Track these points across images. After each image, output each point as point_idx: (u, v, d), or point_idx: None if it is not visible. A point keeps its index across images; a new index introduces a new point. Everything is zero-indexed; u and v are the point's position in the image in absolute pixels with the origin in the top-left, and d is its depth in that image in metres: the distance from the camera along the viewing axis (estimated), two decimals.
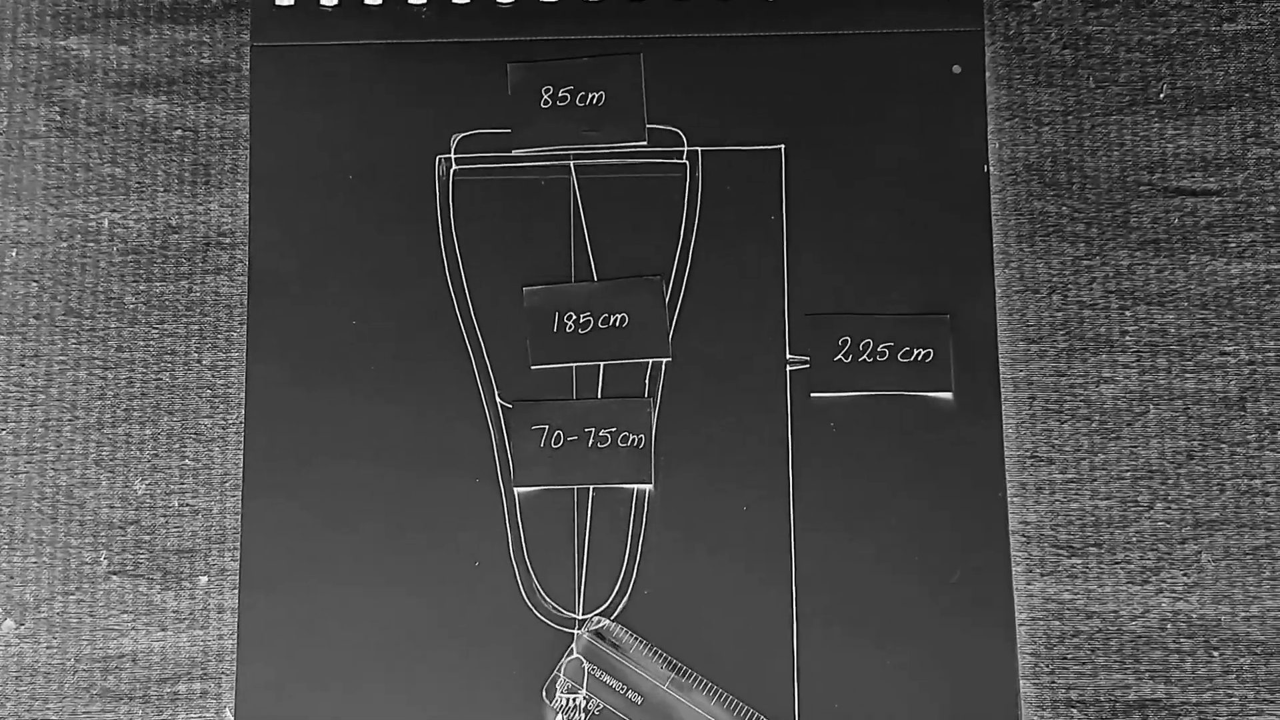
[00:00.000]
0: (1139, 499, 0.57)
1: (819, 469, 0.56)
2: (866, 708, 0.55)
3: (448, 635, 0.56)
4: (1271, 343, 0.58)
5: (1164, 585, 0.57)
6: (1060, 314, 0.59)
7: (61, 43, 0.61)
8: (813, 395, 0.57)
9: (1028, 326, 0.59)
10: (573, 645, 0.55)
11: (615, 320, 0.58)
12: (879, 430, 0.57)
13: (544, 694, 0.55)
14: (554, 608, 0.56)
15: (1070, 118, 0.60)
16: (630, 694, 0.55)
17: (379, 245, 0.58)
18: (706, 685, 0.54)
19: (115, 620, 0.57)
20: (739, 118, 0.59)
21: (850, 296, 0.58)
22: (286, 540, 0.56)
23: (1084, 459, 0.58)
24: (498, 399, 0.57)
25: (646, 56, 0.59)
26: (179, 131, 0.61)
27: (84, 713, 0.56)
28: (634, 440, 0.57)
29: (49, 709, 0.57)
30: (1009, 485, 0.57)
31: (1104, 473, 0.58)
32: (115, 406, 0.59)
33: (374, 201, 0.59)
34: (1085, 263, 0.59)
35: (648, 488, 0.57)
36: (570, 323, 0.58)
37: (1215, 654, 0.56)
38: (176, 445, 0.58)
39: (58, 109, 0.61)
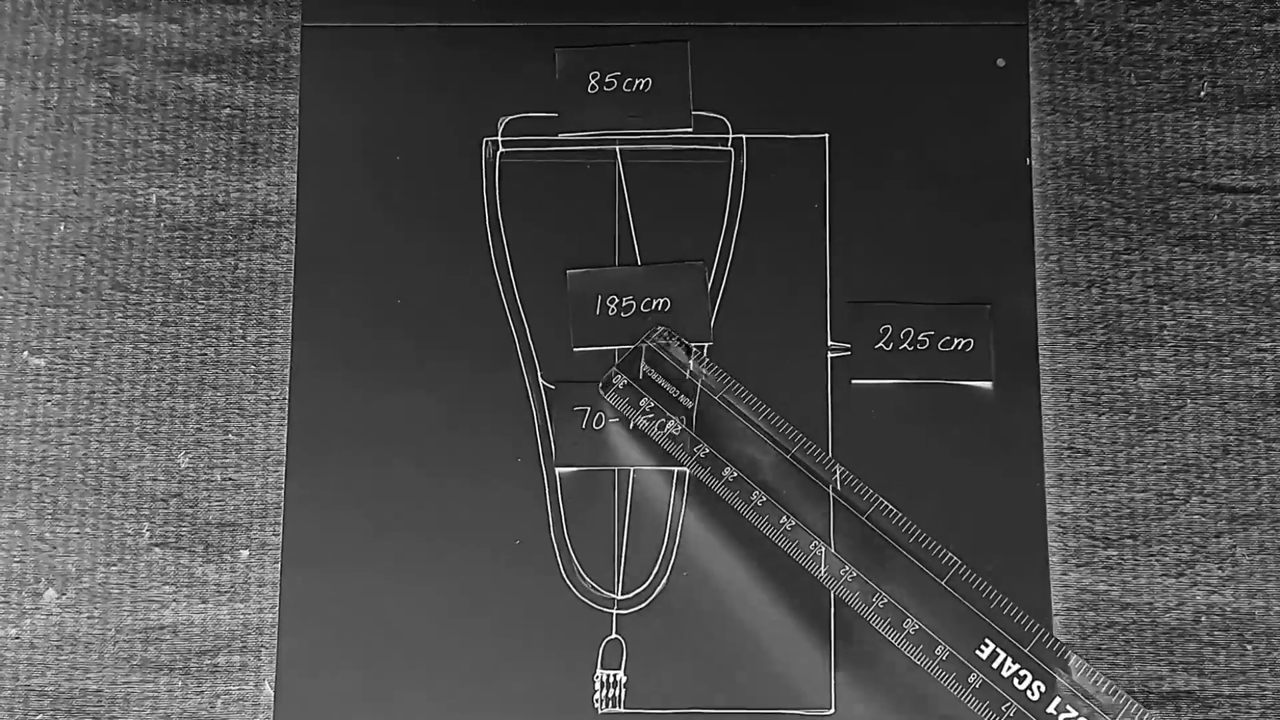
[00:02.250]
0: (1175, 492, 0.58)
1: (858, 455, 0.57)
2: (903, 691, 0.55)
3: (487, 614, 0.56)
4: None
5: (1199, 578, 0.57)
6: (1099, 307, 0.59)
7: (113, 20, 0.62)
8: (853, 382, 0.57)
9: (1067, 319, 0.59)
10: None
11: (657, 304, 0.58)
12: (918, 418, 0.57)
13: (600, 387, 0.56)
14: (593, 587, 0.56)
15: (1111, 114, 0.61)
16: (682, 398, 0.55)
17: (425, 225, 0.59)
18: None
19: (156, 592, 0.58)
20: (784, 106, 0.59)
21: (892, 285, 0.58)
22: (328, 515, 0.57)
23: (1121, 451, 0.58)
24: (540, 380, 0.58)
25: (693, 44, 0.60)
26: (227, 110, 0.61)
27: (123, 683, 0.57)
28: (674, 423, 0.57)
29: (89, 678, 0.57)
30: (1046, 476, 0.57)
31: (1141, 465, 0.58)
32: (160, 380, 0.59)
33: (420, 182, 0.59)
34: (1125, 257, 0.60)
35: (687, 470, 0.57)
36: (613, 306, 0.58)
37: (1249, 647, 0.57)
38: (220, 420, 0.59)
39: (108, 85, 0.61)
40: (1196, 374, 0.59)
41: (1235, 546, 0.57)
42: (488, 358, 0.58)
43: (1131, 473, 0.58)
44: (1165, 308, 0.59)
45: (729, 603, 0.56)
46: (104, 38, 0.62)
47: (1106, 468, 0.58)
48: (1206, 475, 0.58)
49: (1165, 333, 0.59)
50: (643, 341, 0.56)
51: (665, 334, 0.55)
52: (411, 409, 0.57)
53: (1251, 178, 0.60)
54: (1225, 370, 0.59)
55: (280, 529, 0.57)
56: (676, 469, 0.57)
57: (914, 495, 0.56)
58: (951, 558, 0.52)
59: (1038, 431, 0.57)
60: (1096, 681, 0.51)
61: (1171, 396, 0.59)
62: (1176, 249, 0.60)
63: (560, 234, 0.59)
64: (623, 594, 0.56)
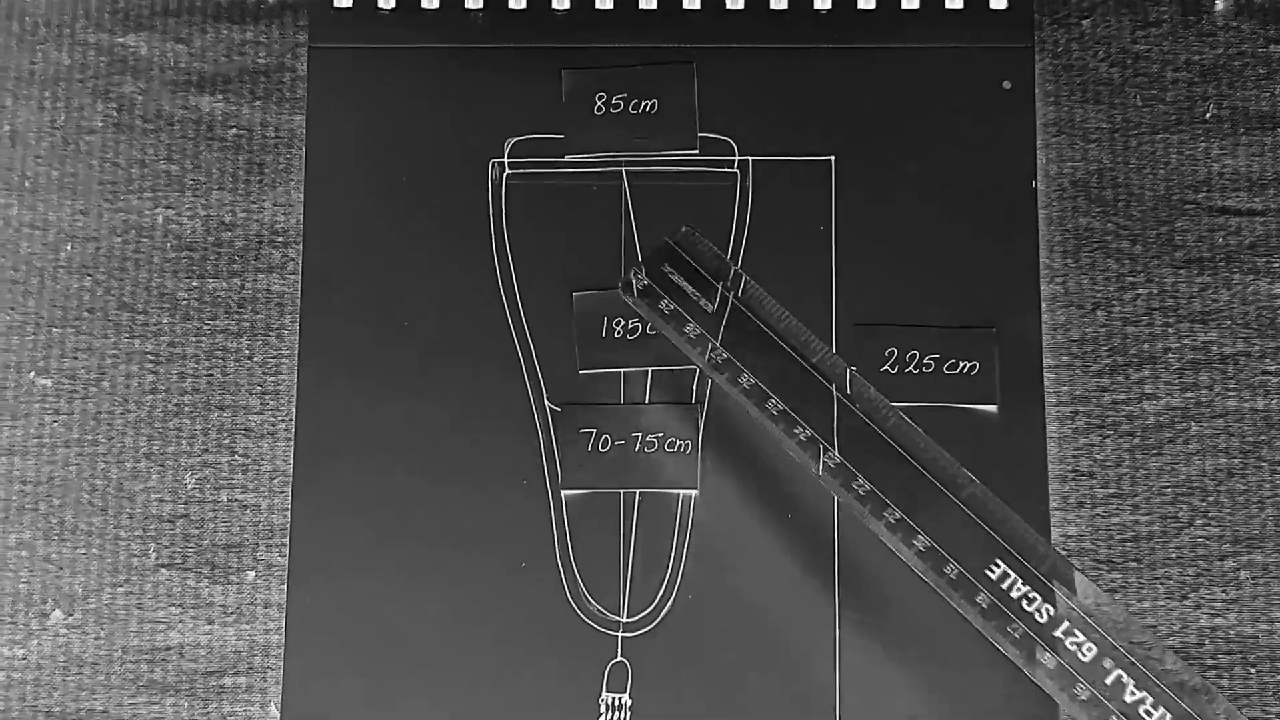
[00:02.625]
0: (1179, 515, 0.58)
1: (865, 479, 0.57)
2: (909, 716, 0.55)
3: (493, 635, 0.56)
4: None
5: (1203, 601, 0.57)
6: (1104, 330, 0.59)
7: (119, 39, 0.62)
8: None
9: (1071, 341, 0.59)
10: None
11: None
12: None
13: (620, 288, 0.56)
14: (598, 610, 0.56)
15: (1117, 135, 0.61)
16: (702, 301, 0.55)
17: (431, 247, 0.59)
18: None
19: (163, 613, 0.58)
20: (790, 128, 0.59)
21: (898, 308, 0.58)
22: (334, 536, 0.57)
23: (1125, 474, 0.58)
24: (546, 402, 0.58)
25: (699, 66, 0.60)
26: (234, 130, 0.61)
27: (130, 704, 0.57)
28: (680, 446, 0.57)
29: (95, 699, 0.57)
30: (1051, 499, 0.57)
31: (1145, 488, 0.58)
32: (166, 401, 0.59)
33: (427, 204, 0.59)
34: (1129, 279, 0.60)
35: (693, 493, 0.57)
36: (619, 328, 0.58)
37: (1253, 670, 0.57)
38: (226, 441, 0.59)
39: (114, 105, 0.61)
40: (1201, 397, 0.59)
41: (1240, 570, 0.58)
42: (494, 380, 0.58)
43: (1136, 496, 0.58)
44: (1170, 330, 0.59)
45: (735, 625, 0.56)
46: (111, 57, 0.62)
47: (1111, 490, 0.58)
48: (1211, 498, 0.58)
49: (1170, 355, 0.59)
50: (665, 238, 0.56)
51: (690, 232, 0.55)
52: (418, 431, 0.57)
53: (1257, 200, 0.60)
54: (1230, 393, 0.59)
55: (286, 550, 0.57)
56: (683, 491, 0.57)
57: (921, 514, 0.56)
58: (967, 476, 0.52)
59: (1042, 455, 0.57)
60: (1101, 601, 0.51)
61: (1176, 419, 0.59)
62: (1181, 271, 0.60)
63: (566, 255, 0.59)
64: (628, 617, 0.57)
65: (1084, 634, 0.50)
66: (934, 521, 0.52)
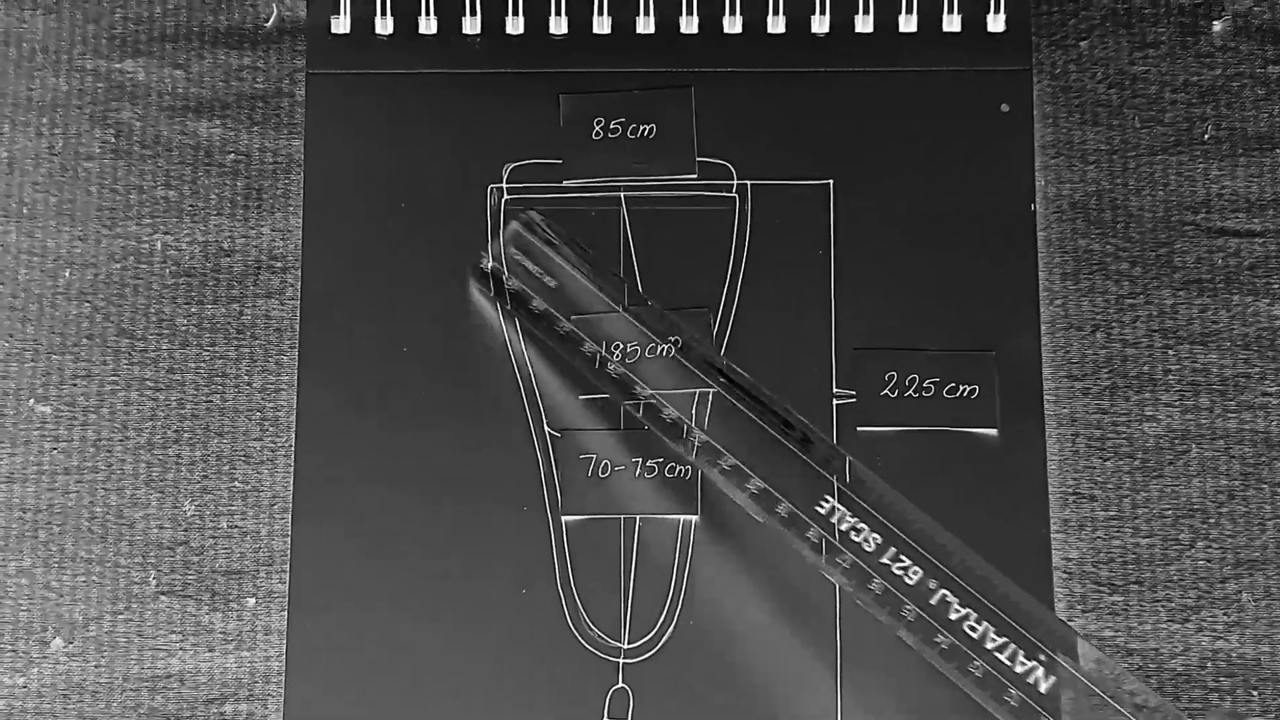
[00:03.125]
0: (1180, 537, 0.58)
1: (864, 504, 0.57)
2: None
3: (494, 662, 0.56)
4: None
5: (1204, 624, 0.57)
6: (1104, 352, 0.59)
7: (117, 65, 0.62)
8: (859, 430, 0.57)
9: (1071, 364, 0.59)
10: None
11: (663, 350, 0.58)
12: (924, 466, 0.57)
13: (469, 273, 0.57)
14: (599, 636, 0.56)
15: (1115, 157, 0.61)
16: (546, 278, 0.56)
17: (431, 273, 0.59)
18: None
19: (163, 640, 0.58)
20: (788, 152, 0.59)
21: (897, 332, 0.58)
22: (335, 563, 0.57)
23: (1126, 497, 0.58)
24: (546, 427, 0.58)
25: (698, 90, 0.60)
26: (232, 155, 0.61)
27: None
28: (681, 471, 0.57)
29: None
30: (1051, 522, 0.57)
31: (1146, 510, 0.58)
32: (166, 428, 0.59)
33: (426, 229, 0.59)
34: (1129, 301, 0.60)
35: (694, 519, 0.57)
36: (618, 352, 0.58)
37: (1255, 693, 0.57)
38: (226, 467, 0.59)
39: (112, 131, 0.61)
40: (1201, 419, 0.59)
41: (1241, 592, 0.58)
42: (493, 405, 0.58)
43: (1137, 518, 0.58)
44: (1170, 352, 0.59)
45: (736, 651, 0.56)
46: (108, 83, 0.62)
47: (1111, 513, 0.58)
48: (1212, 520, 0.58)
49: (1170, 377, 0.59)
50: (512, 221, 0.57)
51: (531, 217, 0.57)
52: (417, 457, 0.57)
53: (1256, 221, 0.60)
54: (1230, 415, 0.59)
55: (287, 576, 0.57)
56: (683, 517, 0.57)
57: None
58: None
59: (1043, 478, 0.57)
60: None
61: (1176, 441, 0.59)
62: (1181, 293, 0.60)
63: (566, 280, 0.59)
64: (629, 643, 0.56)
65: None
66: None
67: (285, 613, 0.57)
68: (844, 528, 0.53)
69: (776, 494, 0.53)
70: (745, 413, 0.54)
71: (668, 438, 0.55)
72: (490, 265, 0.56)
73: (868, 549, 0.52)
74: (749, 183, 0.59)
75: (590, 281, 0.55)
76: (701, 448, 0.54)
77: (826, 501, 0.53)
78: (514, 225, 0.57)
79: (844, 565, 0.53)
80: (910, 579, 0.52)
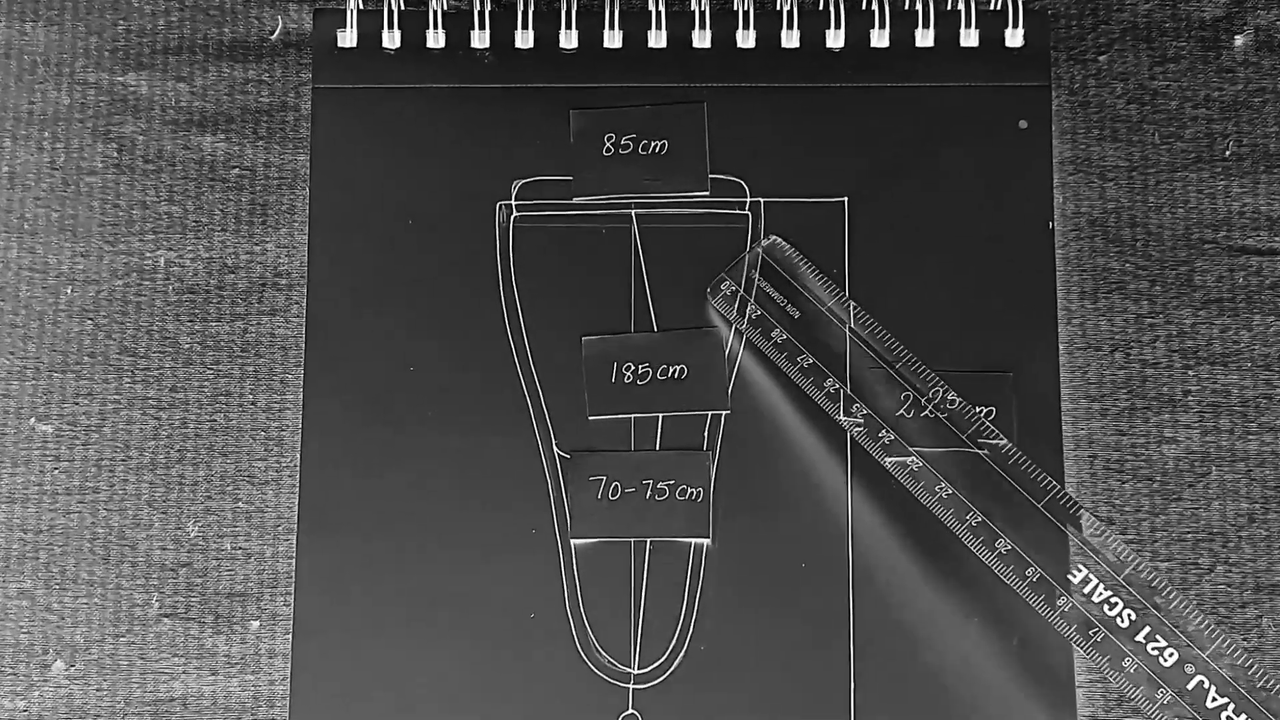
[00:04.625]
0: (1200, 561, 0.57)
1: (879, 526, 0.56)
2: None
3: (502, 687, 0.55)
4: None
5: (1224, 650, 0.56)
6: (1122, 372, 0.58)
7: (120, 79, 0.61)
8: (873, 450, 0.56)
9: (1089, 384, 0.58)
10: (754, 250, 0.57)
11: (674, 372, 0.57)
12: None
13: (707, 292, 0.57)
14: (609, 662, 0.55)
15: (1135, 174, 0.60)
16: (789, 308, 0.56)
17: (438, 290, 0.58)
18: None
19: (166, 663, 0.57)
20: (802, 169, 0.58)
21: (913, 351, 0.57)
22: (340, 586, 0.56)
23: (1145, 520, 0.57)
24: (555, 449, 0.57)
25: (710, 106, 0.59)
26: (236, 170, 0.60)
27: None
28: (692, 493, 0.56)
29: None
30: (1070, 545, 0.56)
31: (1165, 534, 0.57)
32: (169, 447, 0.58)
33: (433, 246, 0.58)
34: (1148, 321, 0.59)
35: (705, 542, 0.56)
36: (629, 373, 0.57)
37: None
38: (230, 488, 0.58)
39: (115, 145, 0.60)
40: (1222, 441, 0.58)
41: (1261, 617, 0.57)
42: (502, 426, 0.57)
43: (1155, 541, 0.57)
44: (1190, 373, 0.58)
45: (747, 676, 0.55)
46: (111, 97, 0.61)
47: (1130, 536, 0.57)
48: (1232, 544, 0.57)
49: (1190, 398, 0.58)
50: (755, 247, 0.56)
51: (776, 243, 0.55)
52: (424, 477, 0.57)
53: (1277, 239, 0.59)
54: (1251, 437, 0.58)
55: (291, 599, 0.56)
56: (694, 540, 0.56)
57: (936, 566, 0.55)
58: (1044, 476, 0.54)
59: None
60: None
61: (1196, 463, 0.58)
62: (1201, 312, 0.59)
63: (575, 299, 0.58)
64: (639, 668, 0.56)
65: (1117, 594, 0.52)
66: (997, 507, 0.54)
67: (290, 636, 0.56)
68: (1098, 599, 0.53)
69: (1024, 556, 0.53)
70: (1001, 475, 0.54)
71: (906, 485, 0.55)
72: (731, 288, 0.56)
73: (1122, 625, 0.52)
74: (762, 200, 0.58)
75: (838, 322, 0.55)
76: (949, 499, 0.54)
77: (1080, 571, 0.53)
78: (758, 249, 0.56)
79: (943, 495, 0.54)
80: (1166, 661, 0.52)
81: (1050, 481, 0.53)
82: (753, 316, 0.56)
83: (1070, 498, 0.53)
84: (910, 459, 0.54)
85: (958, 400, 0.54)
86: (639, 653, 0.56)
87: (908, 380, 0.55)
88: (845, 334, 0.55)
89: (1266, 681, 0.51)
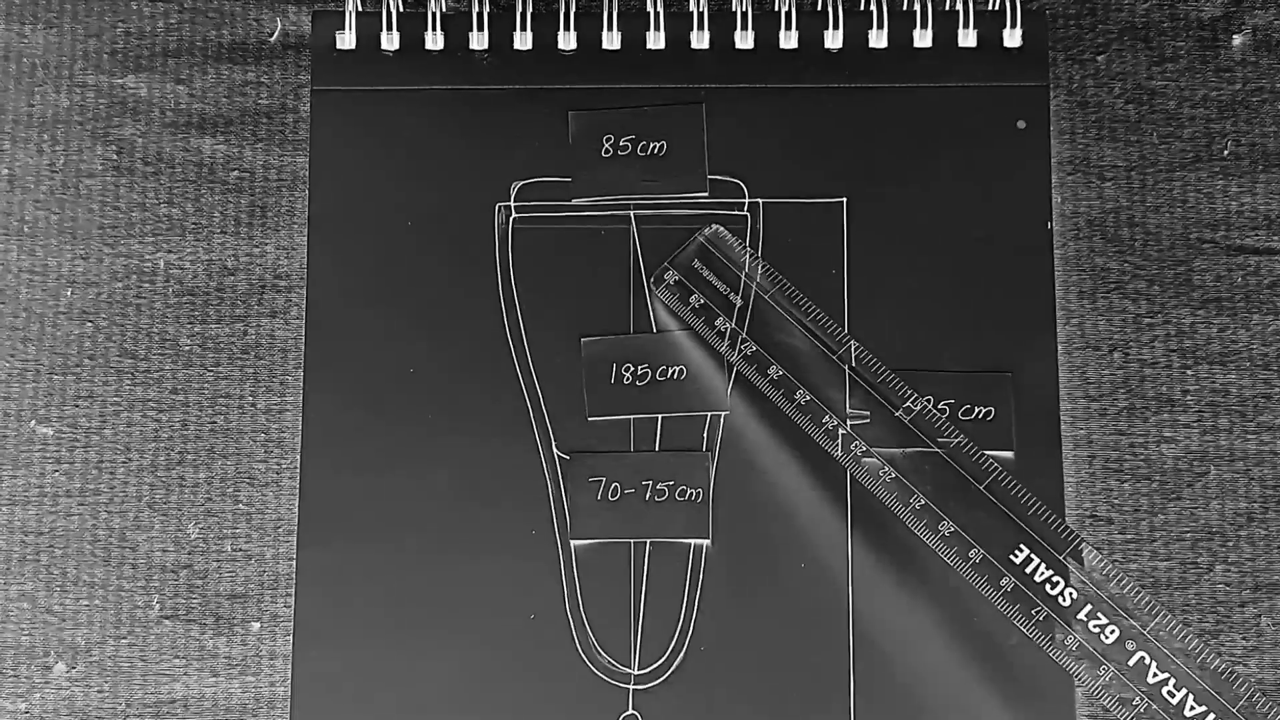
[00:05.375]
0: (1199, 561, 0.57)
1: (878, 526, 0.56)
2: None
3: (502, 688, 0.55)
4: None
5: (1223, 649, 0.56)
6: (1121, 372, 0.58)
7: (119, 81, 0.61)
8: (873, 451, 0.56)
9: (1088, 384, 0.58)
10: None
11: (674, 373, 0.57)
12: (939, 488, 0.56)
13: (650, 282, 0.57)
14: (609, 663, 0.56)
15: (1133, 173, 0.60)
16: (732, 295, 0.56)
17: (437, 292, 0.58)
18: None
19: (167, 665, 0.57)
20: (801, 170, 0.58)
21: (911, 352, 0.57)
22: (340, 587, 0.56)
23: (1144, 519, 0.57)
24: (555, 450, 0.57)
25: (709, 106, 0.59)
26: (236, 172, 0.60)
27: None
28: (692, 494, 0.56)
29: None
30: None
31: (1164, 533, 0.57)
32: (169, 449, 0.58)
33: (433, 248, 0.58)
34: (1147, 320, 0.59)
35: (705, 543, 0.56)
36: (628, 374, 0.57)
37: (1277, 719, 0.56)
38: (230, 489, 0.58)
39: (114, 148, 0.61)
40: (1220, 440, 0.58)
41: (1260, 616, 0.57)
42: (501, 427, 0.57)
43: (1154, 541, 0.57)
44: (1188, 372, 0.58)
45: (747, 677, 0.55)
46: (110, 99, 0.61)
47: (1129, 536, 0.57)
48: (1231, 543, 0.57)
49: (1189, 398, 0.58)
50: (696, 236, 0.56)
51: (717, 232, 0.55)
52: (424, 478, 0.57)
53: (1276, 238, 0.59)
54: (1249, 436, 0.58)
55: (292, 601, 0.57)
56: (694, 541, 0.56)
57: (934, 566, 0.56)
58: (991, 463, 0.54)
59: (1060, 500, 0.56)
60: (1108, 571, 0.52)
61: (1195, 463, 0.58)
62: (1200, 312, 0.59)
63: (575, 301, 0.58)
64: (639, 668, 0.56)
65: (1106, 616, 0.52)
66: (959, 508, 0.54)
67: (290, 637, 0.56)
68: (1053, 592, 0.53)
69: (998, 566, 0.54)
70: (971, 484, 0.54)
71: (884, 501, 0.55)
72: (674, 277, 0.56)
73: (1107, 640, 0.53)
74: (761, 201, 0.58)
75: (799, 324, 0.55)
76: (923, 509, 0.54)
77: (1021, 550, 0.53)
78: (698, 237, 0.56)
79: (885, 479, 0.54)
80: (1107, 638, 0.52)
81: (1069, 531, 0.53)
82: (696, 305, 0.56)
83: (1082, 539, 0.53)
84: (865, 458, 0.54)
85: (911, 393, 0.54)
86: (639, 653, 0.56)
87: (863, 377, 0.54)
88: (790, 322, 0.54)
89: (1207, 657, 0.52)
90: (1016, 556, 0.53)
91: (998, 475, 0.53)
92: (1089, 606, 0.52)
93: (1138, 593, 0.52)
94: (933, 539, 0.53)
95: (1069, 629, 0.52)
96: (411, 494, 0.57)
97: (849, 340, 0.55)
